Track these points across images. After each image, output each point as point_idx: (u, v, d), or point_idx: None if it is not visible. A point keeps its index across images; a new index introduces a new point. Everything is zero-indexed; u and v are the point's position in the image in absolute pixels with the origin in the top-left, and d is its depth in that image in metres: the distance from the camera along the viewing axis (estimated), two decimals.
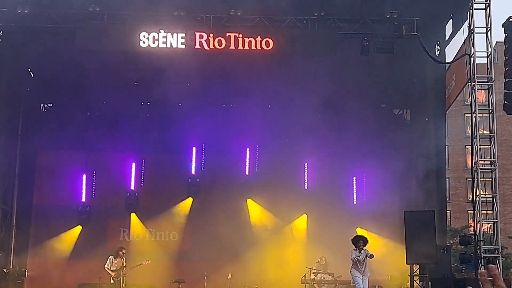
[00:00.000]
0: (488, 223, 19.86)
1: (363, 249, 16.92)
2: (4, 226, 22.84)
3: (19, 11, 19.78)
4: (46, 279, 23.89)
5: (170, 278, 23.15)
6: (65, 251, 24.78)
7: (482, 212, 19.29)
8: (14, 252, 23.73)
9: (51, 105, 25.82)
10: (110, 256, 20.89)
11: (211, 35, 19.79)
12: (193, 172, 25.23)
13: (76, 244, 24.80)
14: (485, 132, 20.10)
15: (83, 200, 25.07)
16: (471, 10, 19.64)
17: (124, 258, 20.94)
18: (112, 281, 20.69)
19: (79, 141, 24.47)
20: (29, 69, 23.94)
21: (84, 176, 25.16)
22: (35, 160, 25.10)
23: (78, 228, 24.88)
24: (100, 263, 21.33)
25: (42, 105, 25.74)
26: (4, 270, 22.49)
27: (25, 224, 24.41)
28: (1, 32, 21.15)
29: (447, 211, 29.22)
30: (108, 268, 20.70)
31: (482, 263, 18.67)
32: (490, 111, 19.72)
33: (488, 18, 19.63)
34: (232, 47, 19.81)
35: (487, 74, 19.78)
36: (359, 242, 16.80)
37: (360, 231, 24.48)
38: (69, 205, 24.79)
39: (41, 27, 20.54)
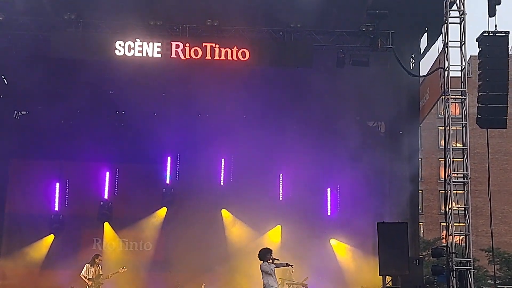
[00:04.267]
0: (461, 236, 19.99)
1: (273, 261, 16.87)
2: None
3: None
4: None
5: None
6: (38, 260, 24.59)
7: (455, 224, 19.40)
8: None
9: (24, 112, 25.62)
10: (87, 264, 20.72)
11: (187, 44, 19.76)
12: (167, 182, 25.13)
13: (49, 253, 24.61)
14: (458, 145, 20.23)
15: (56, 209, 24.87)
16: (445, 24, 19.80)
17: (100, 266, 20.81)
18: None
19: (52, 150, 24.28)
20: (2, 76, 23.74)
21: (57, 184, 24.95)
22: (7, 168, 24.87)
23: (51, 237, 24.68)
24: (72, 272, 21.21)
25: (15, 112, 25.54)
26: None
27: None
28: None
29: (420, 223, 29.35)
30: (84, 276, 20.52)
31: (454, 275, 18.75)
32: (464, 124, 19.87)
33: (463, 32, 19.80)
34: (208, 57, 19.79)
35: (461, 88, 19.94)
36: (269, 254, 16.75)
37: (334, 242, 24.62)
38: (41, 213, 24.58)
39: (15, 34, 20.39)
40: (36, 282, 23.79)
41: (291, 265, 16.79)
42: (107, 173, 25.13)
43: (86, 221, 24.81)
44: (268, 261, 16.35)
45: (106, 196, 25.05)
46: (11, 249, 24.47)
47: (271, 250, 16.64)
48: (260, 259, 16.43)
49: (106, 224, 25.05)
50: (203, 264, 23.54)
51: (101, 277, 20.57)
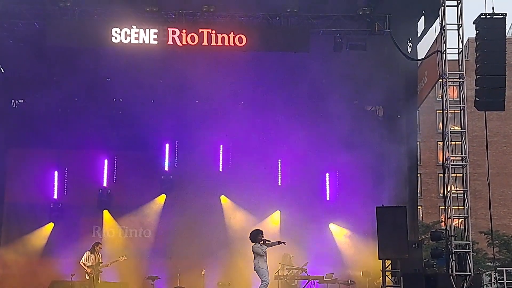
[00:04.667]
0: (459, 219, 20.00)
1: (265, 242, 16.94)
2: None
3: None
4: (18, 277, 23.67)
5: (143, 275, 23.12)
6: (38, 248, 24.64)
7: (454, 207, 19.44)
8: None
9: (22, 101, 25.57)
10: (87, 252, 20.69)
11: (184, 31, 19.74)
12: (166, 168, 25.14)
13: (48, 241, 24.65)
14: (456, 128, 20.23)
15: (55, 197, 24.92)
16: (442, 7, 19.77)
17: (100, 254, 20.82)
18: (87, 277, 20.52)
19: (50, 138, 24.18)
20: None
21: (56, 173, 24.98)
22: (6, 157, 24.86)
23: (50, 225, 24.72)
24: (72, 260, 21.27)
25: (12, 101, 25.50)
26: None
27: None
28: None
29: (419, 207, 29.40)
30: (84, 264, 20.51)
31: (453, 258, 18.81)
32: (462, 107, 19.87)
33: (460, 15, 19.75)
34: (205, 43, 19.78)
35: (459, 71, 19.91)
36: (260, 235, 16.82)
37: (333, 227, 24.66)
38: (40, 202, 24.64)
39: (11, 23, 20.36)
40: (36, 270, 23.79)
41: (283, 242, 16.84)
42: (106, 161, 25.15)
43: (85, 209, 24.82)
44: (260, 242, 16.43)
45: (105, 184, 25.08)
46: (11, 238, 24.51)
47: (261, 231, 16.72)
48: (252, 241, 16.51)
49: (106, 212, 25.08)
50: (203, 250, 23.59)
51: (101, 265, 20.59)
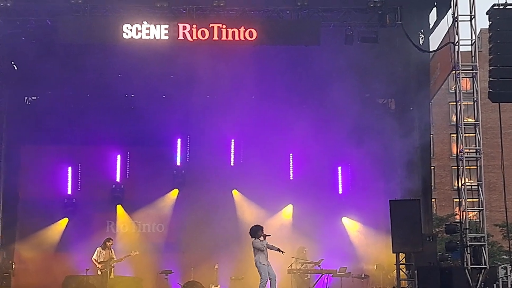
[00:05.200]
0: (474, 211, 19.90)
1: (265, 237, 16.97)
2: None
3: (1, 4, 19.75)
4: (33, 272, 23.87)
5: (157, 270, 23.26)
6: (52, 243, 24.75)
7: (468, 200, 19.36)
8: (1, 245, 23.61)
9: (34, 98, 25.69)
10: (98, 248, 20.91)
11: (194, 26, 19.75)
12: (178, 163, 25.22)
13: (63, 237, 24.76)
14: (470, 120, 20.13)
15: (69, 192, 25.05)
16: None
17: (112, 249, 20.94)
18: (99, 273, 20.68)
19: (63, 134, 24.30)
20: (12, 62, 23.77)
21: (70, 169, 25.09)
22: (20, 154, 24.96)
23: (65, 221, 24.84)
24: (87, 255, 21.36)
25: (25, 98, 25.60)
26: None
27: (11, 218, 24.27)
28: None
29: (433, 200, 29.28)
30: (95, 260, 20.70)
31: (468, 251, 18.74)
32: (475, 99, 19.76)
33: (472, 5, 19.63)
34: (215, 38, 19.78)
35: (472, 62, 19.80)
36: (260, 231, 16.85)
37: (346, 221, 24.61)
38: (55, 198, 24.77)
39: (23, 20, 20.44)
40: (51, 265, 23.94)
41: (282, 252, 16.90)
42: (118, 156, 25.27)
43: (99, 204, 24.94)
44: (260, 238, 16.46)
45: (118, 179, 25.21)
46: (26, 234, 24.63)
47: (262, 227, 16.80)
48: (252, 236, 16.55)
49: (119, 207, 25.20)
50: (215, 244, 23.63)
51: (113, 260, 20.69)
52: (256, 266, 16.71)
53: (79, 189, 25.18)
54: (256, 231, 16.73)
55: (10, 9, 19.91)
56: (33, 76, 24.01)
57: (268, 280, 16.64)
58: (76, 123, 24.48)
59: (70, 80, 23.81)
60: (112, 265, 20.72)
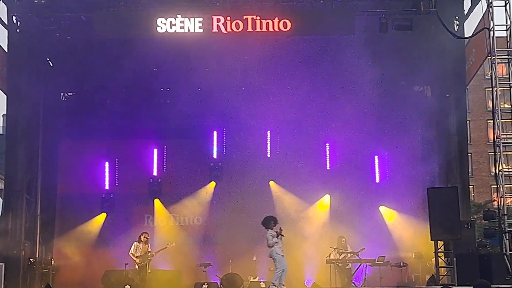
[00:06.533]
0: None
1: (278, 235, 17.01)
2: (29, 216, 23.00)
3: (36, 1, 19.98)
4: (72, 267, 24.12)
5: (195, 262, 23.37)
6: (91, 238, 24.96)
7: (506, 186, 19.26)
8: (40, 241, 23.92)
9: (71, 94, 25.91)
10: (135, 242, 21.10)
11: (228, 18, 19.78)
12: (214, 156, 25.30)
13: (101, 232, 24.98)
14: (506, 105, 20.01)
15: (107, 187, 25.26)
16: None
17: (148, 243, 21.11)
18: (137, 267, 20.87)
19: (100, 129, 24.44)
20: (47, 59, 23.98)
21: (107, 164, 25.31)
22: (58, 149, 25.22)
23: (103, 216, 25.05)
24: (125, 249, 21.51)
25: (62, 94, 25.83)
26: (31, 259, 22.67)
27: (50, 213, 24.59)
28: (18, 23, 21.22)
29: (470, 187, 29.11)
30: (132, 254, 20.89)
31: (507, 237, 18.63)
32: (511, 84, 19.60)
33: None
34: (249, 29, 19.80)
35: (507, 48, 19.66)
36: (271, 222, 16.89)
37: (383, 209, 24.53)
38: (92, 193, 24.95)
39: (58, 16, 20.63)
40: (90, 260, 24.17)
41: (282, 235, 16.89)
42: (155, 150, 25.38)
43: (136, 198, 25.13)
44: (271, 229, 16.52)
45: (155, 173, 25.32)
46: (65, 229, 24.88)
47: (274, 218, 16.86)
48: (265, 227, 16.61)
49: (156, 201, 25.33)
50: (253, 236, 23.49)
51: (149, 253, 20.86)
52: (271, 256, 16.78)
53: (116, 184, 25.35)
54: (269, 222, 16.85)
55: (44, 6, 20.13)
56: (69, 72, 24.17)
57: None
58: (112, 118, 24.61)
59: (105, 76, 23.94)
60: (149, 258, 20.89)
